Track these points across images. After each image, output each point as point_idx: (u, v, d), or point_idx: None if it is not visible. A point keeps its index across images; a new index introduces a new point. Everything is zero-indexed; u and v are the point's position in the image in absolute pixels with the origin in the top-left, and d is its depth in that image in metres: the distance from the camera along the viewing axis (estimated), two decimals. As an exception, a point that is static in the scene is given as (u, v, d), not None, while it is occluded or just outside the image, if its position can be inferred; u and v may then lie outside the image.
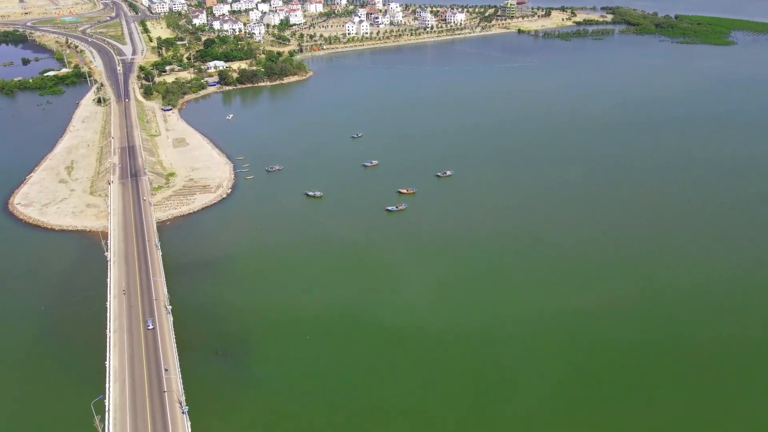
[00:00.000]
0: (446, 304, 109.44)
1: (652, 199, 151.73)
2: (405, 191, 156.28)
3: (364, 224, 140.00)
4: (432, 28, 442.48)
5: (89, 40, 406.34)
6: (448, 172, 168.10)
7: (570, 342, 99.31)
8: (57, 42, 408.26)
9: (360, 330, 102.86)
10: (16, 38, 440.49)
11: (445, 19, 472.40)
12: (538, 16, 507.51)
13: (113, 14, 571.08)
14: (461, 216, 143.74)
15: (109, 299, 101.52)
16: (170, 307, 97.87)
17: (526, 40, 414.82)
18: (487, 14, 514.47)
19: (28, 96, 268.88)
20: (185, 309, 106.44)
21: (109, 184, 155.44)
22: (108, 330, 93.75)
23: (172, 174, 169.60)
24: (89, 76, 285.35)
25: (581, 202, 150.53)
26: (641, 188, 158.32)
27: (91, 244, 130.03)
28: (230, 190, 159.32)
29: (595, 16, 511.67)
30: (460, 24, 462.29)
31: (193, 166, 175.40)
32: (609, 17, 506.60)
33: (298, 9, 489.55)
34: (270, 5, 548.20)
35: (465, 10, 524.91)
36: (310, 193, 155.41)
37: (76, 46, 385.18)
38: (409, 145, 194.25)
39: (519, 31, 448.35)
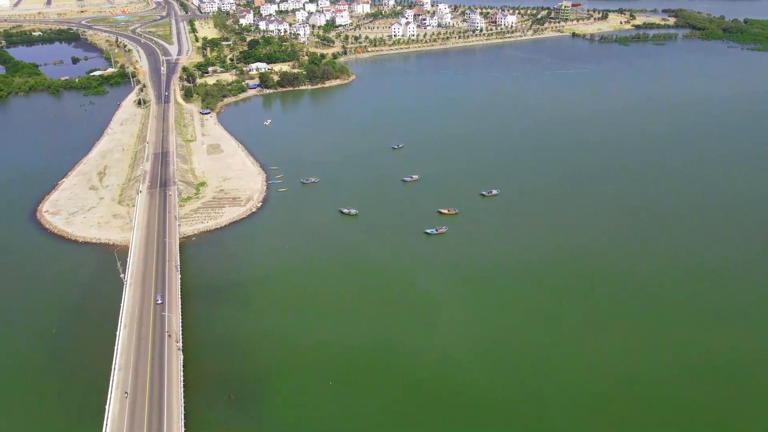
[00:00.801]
0: (488, 355, 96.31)
1: (745, 232, 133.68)
2: (446, 211, 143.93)
3: (400, 248, 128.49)
4: (481, 30, 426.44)
5: (139, 39, 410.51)
6: (494, 191, 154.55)
7: (645, 413, 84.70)
8: (107, 41, 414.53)
9: (389, 377, 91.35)
10: (69, 36, 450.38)
11: (495, 22, 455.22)
12: (594, 19, 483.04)
13: (164, 13, 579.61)
14: (508, 244, 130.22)
15: (119, 329, 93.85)
16: (181, 344, 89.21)
17: (581, 45, 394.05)
18: (539, 16, 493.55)
19: (72, 96, 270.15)
20: (199, 342, 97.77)
21: (138, 193, 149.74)
22: (113, 366, 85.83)
23: (202, 184, 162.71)
24: (133, 77, 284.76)
25: (650, 232, 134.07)
26: (729, 221, 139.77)
27: (112, 259, 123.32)
28: (260, 204, 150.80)
29: (655, 20, 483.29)
30: (511, 27, 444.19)
31: (225, 176, 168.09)
32: (671, 20, 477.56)
33: (345, 10, 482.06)
34: (317, 5, 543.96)
35: (516, 11, 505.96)
36: (345, 211, 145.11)
37: (125, 46, 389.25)
38: (453, 158, 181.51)
39: (573, 34, 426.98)
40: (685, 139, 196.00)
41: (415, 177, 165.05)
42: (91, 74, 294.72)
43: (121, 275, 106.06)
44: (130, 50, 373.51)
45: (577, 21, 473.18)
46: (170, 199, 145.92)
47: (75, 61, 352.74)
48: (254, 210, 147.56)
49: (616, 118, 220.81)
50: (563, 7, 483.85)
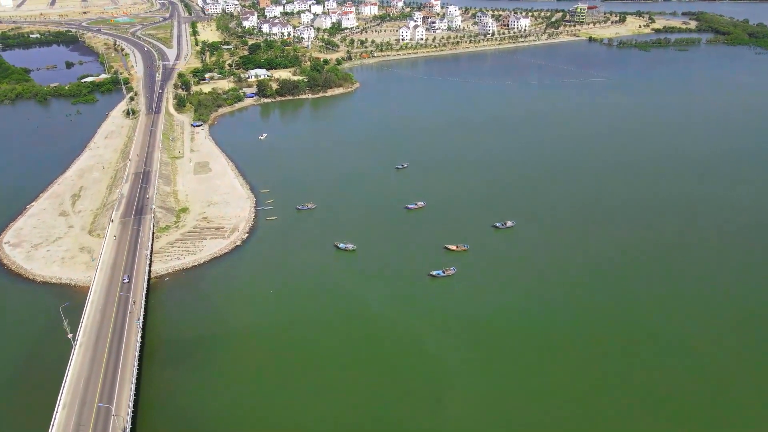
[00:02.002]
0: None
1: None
2: (454, 248, 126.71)
3: (402, 296, 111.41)
4: (493, 34, 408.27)
5: (138, 42, 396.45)
6: (509, 223, 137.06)
7: None
8: (105, 44, 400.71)
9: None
10: (67, 39, 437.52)
11: (508, 25, 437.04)
12: (612, 22, 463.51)
13: (167, 15, 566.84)
14: (526, 289, 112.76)
15: (56, 409, 77.55)
16: (129, 428, 72.88)
17: (599, 50, 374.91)
18: (554, 19, 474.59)
19: (60, 104, 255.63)
20: (156, 419, 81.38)
21: (110, 222, 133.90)
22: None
23: (184, 210, 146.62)
24: (125, 84, 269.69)
25: (694, 279, 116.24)
26: None
27: (72, 304, 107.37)
28: (246, 235, 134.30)
29: (676, 23, 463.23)
30: (525, 30, 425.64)
31: (210, 200, 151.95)
32: (692, 24, 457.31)
33: (352, 12, 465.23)
34: (324, 7, 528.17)
35: (530, 14, 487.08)
36: (341, 246, 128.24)
37: (122, 49, 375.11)
38: (461, 181, 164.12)
39: (590, 39, 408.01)
40: (730, 164, 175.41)
41: (420, 204, 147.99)
42: (82, 80, 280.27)
43: (69, 335, 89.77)
44: (127, 54, 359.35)
45: (594, 24, 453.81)
46: (145, 229, 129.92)
47: (69, 65, 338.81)
48: (239, 243, 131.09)
49: (646, 135, 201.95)
50: (579, 10, 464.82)
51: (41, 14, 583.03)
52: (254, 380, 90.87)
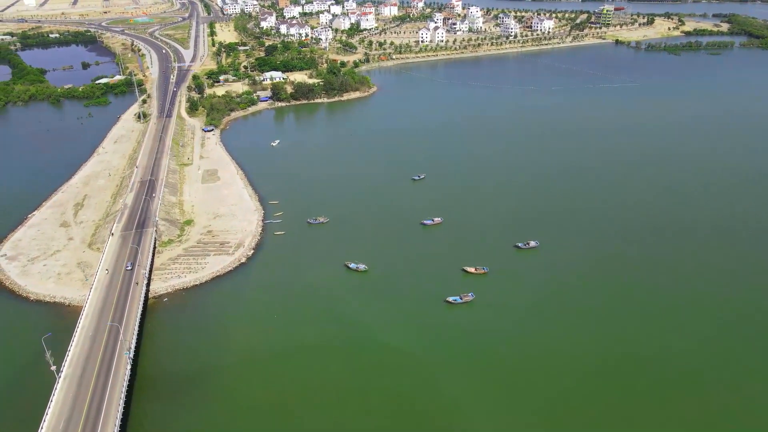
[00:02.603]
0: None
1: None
2: (473, 270, 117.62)
3: (415, 323, 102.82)
4: (515, 36, 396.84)
5: (155, 43, 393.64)
6: (532, 243, 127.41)
7: None
8: (123, 44, 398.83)
9: None
10: (85, 39, 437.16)
11: (531, 27, 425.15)
12: (639, 25, 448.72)
13: (187, 15, 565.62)
14: (552, 319, 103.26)
15: (32, 455, 70.71)
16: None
17: (626, 54, 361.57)
18: (578, 21, 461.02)
19: (73, 106, 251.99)
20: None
21: (110, 236, 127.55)
22: None
23: (189, 222, 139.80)
24: (138, 86, 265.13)
25: (748, 308, 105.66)
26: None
27: (64, 324, 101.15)
28: (252, 252, 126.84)
29: (707, 25, 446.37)
30: (548, 33, 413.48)
31: (217, 212, 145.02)
32: (724, 27, 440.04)
33: (371, 13, 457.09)
34: (343, 8, 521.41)
35: (554, 15, 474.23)
36: (352, 266, 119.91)
37: (139, 50, 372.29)
38: (481, 194, 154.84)
39: (617, 41, 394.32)
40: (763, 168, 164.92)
41: (437, 220, 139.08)
42: (96, 82, 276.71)
43: (52, 368, 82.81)
44: (143, 55, 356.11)
45: (620, 26, 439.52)
46: (145, 244, 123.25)
47: (85, 66, 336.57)
48: (243, 260, 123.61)
49: (684, 146, 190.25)
50: (605, 12, 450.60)
51: (62, 13, 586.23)
52: (251, 418, 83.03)
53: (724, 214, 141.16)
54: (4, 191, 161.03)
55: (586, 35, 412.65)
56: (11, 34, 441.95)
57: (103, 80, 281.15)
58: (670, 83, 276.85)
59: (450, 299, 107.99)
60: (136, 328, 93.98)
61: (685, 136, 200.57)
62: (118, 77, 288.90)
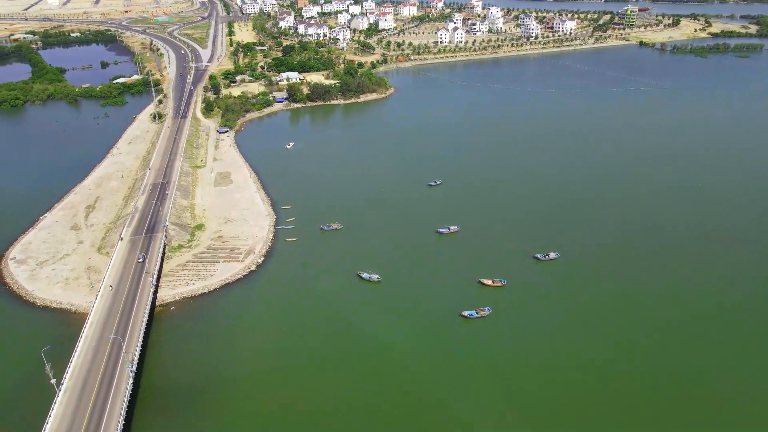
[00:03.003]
0: None
1: None
2: (490, 283, 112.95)
3: (428, 339, 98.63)
4: (536, 38, 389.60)
5: (173, 42, 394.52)
6: (552, 254, 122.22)
7: None
8: (142, 44, 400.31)
9: None
10: (106, 38, 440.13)
11: (552, 28, 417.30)
12: (664, 26, 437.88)
13: (206, 14, 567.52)
14: (573, 336, 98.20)
15: (27, 474, 68.05)
16: None
17: (650, 56, 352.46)
18: (601, 22, 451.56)
19: (90, 105, 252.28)
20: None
21: (119, 240, 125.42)
22: None
23: (199, 227, 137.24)
24: (155, 86, 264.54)
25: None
26: None
27: (69, 332, 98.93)
28: (262, 259, 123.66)
29: (735, 27, 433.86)
30: (570, 34, 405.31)
31: (228, 216, 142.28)
32: (753, 28, 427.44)
33: (390, 13, 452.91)
34: (362, 8, 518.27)
35: (576, 16, 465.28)
36: (365, 276, 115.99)
37: (158, 49, 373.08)
38: (500, 202, 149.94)
39: (641, 43, 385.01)
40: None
41: (454, 228, 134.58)
42: (114, 82, 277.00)
43: (52, 380, 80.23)
44: (161, 54, 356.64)
45: (645, 28, 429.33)
46: (154, 250, 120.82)
47: (104, 65, 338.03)
48: (253, 268, 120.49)
49: (711, 151, 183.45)
50: (629, 12, 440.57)
51: (84, 12, 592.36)
52: (256, 439, 79.74)
53: (763, 221, 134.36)
54: (18, 191, 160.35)
55: (609, 36, 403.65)
56: (33, 33, 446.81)
57: (121, 80, 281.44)
58: (697, 86, 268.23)
59: (466, 314, 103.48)
60: (140, 339, 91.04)
61: (714, 141, 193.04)
62: (135, 77, 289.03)
